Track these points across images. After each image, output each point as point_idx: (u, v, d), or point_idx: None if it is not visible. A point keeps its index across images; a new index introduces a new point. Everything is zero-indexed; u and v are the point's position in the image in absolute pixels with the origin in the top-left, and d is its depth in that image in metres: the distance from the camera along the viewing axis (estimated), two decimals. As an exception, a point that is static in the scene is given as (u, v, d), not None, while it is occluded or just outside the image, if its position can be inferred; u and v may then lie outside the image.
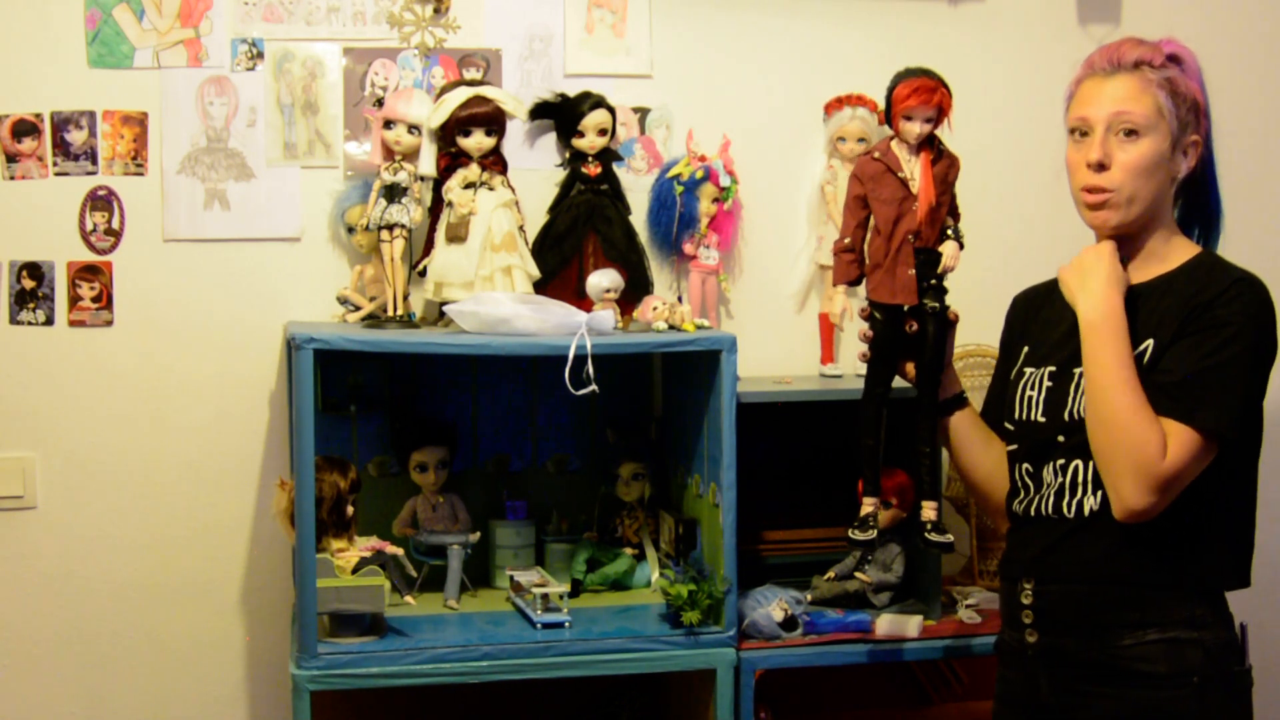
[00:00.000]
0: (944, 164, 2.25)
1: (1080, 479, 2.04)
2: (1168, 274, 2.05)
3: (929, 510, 2.29)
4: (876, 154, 2.23)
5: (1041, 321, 2.21)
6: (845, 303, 2.28)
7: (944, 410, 2.31)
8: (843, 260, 2.27)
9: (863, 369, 2.31)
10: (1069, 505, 2.05)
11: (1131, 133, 2.01)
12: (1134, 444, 1.93)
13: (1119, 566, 2.01)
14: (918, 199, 2.20)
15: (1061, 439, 2.06)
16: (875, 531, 2.26)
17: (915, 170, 2.22)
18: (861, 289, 2.29)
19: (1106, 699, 2.02)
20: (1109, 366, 1.97)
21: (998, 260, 2.89)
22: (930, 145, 2.24)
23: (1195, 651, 1.97)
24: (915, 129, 2.22)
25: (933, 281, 2.22)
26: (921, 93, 2.22)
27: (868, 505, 2.29)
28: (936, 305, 2.22)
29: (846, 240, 2.26)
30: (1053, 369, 2.11)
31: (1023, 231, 2.94)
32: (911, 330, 2.23)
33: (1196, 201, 2.13)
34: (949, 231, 2.25)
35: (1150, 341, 2.00)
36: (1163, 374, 1.97)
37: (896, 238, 2.21)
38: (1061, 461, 2.07)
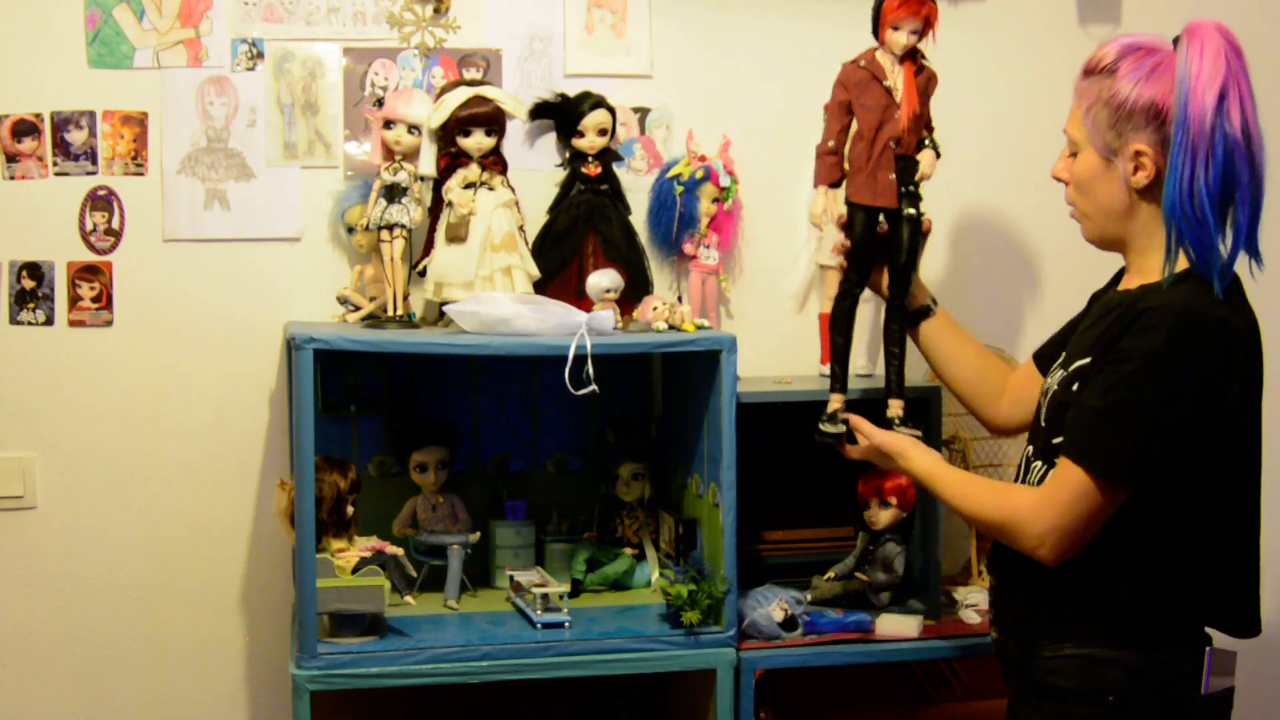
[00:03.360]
0: (924, 76, 2.34)
1: (1034, 480, 2.05)
2: (1142, 286, 1.96)
3: (895, 407, 2.36)
4: (862, 62, 2.32)
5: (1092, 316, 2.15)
6: (827, 203, 2.35)
7: (912, 320, 2.37)
8: (826, 163, 2.35)
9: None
10: None
11: (1070, 150, 2.02)
12: (1005, 520, 1.98)
13: (1042, 581, 2.00)
14: (900, 107, 2.28)
15: (1044, 424, 2.04)
16: (844, 426, 2.32)
17: (899, 80, 2.30)
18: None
19: (1030, 710, 2.03)
20: (953, 494, 2.10)
21: (997, 260, 2.89)
22: (913, 58, 2.33)
23: (1112, 670, 1.93)
24: (902, 39, 2.30)
25: (910, 188, 2.30)
26: (911, 4, 2.29)
27: (835, 401, 2.36)
28: (913, 211, 2.30)
29: (830, 143, 2.34)
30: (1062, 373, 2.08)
31: (1022, 231, 2.94)
32: (882, 231, 2.30)
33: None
34: (926, 141, 2.34)
35: (1088, 359, 1.95)
36: (1076, 407, 1.93)
37: (879, 143, 2.29)
38: (1030, 453, 2.08)
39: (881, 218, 2.29)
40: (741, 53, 2.83)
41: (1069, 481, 1.90)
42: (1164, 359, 1.84)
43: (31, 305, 2.63)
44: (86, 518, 2.67)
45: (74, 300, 2.64)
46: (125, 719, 2.70)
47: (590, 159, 2.60)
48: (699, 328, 2.44)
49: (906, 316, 2.36)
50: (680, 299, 2.69)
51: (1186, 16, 2.96)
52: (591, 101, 2.60)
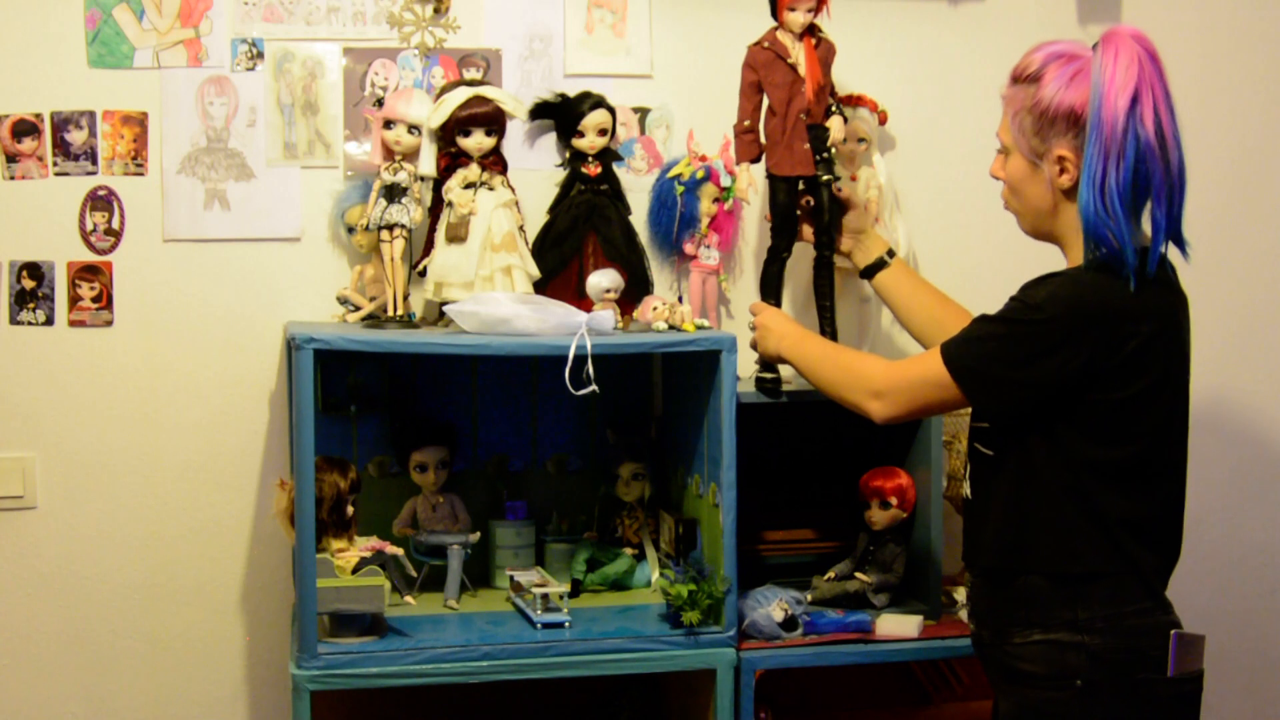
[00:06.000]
0: (823, 48, 2.48)
1: (973, 469, 2.14)
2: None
3: None
4: (766, 43, 2.47)
5: None
6: (750, 178, 2.52)
7: (871, 272, 2.55)
8: (744, 141, 2.51)
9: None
10: (969, 491, 2.15)
11: (1001, 152, 2.13)
12: (852, 370, 2.21)
13: (988, 556, 2.08)
14: (805, 81, 2.43)
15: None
16: (778, 373, 2.48)
17: (801, 56, 2.44)
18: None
19: (1005, 696, 2.09)
20: (813, 358, 2.29)
21: (998, 259, 2.88)
22: (811, 32, 2.46)
23: (1077, 655, 1.98)
24: (800, 18, 2.45)
25: (824, 155, 2.46)
26: None
27: None
28: (830, 177, 2.48)
29: (746, 122, 2.50)
30: None
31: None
32: (808, 204, 2.50)
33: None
34: (833, 108, 2.49)
35: None
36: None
37: (790, 117, 2.45)
38: (974, 440, 2.15)
39: (802, 187, 2.47)
40: (741, 53, 2.82)
41: (924, 361, 2.10)
42: (1036, 310, 1.97)
43: (31, 305, 2.63)
44: (86, 518, 2.67)
45: (74, 300, 2.64)
46: (125, 719, 2.70)
47: (590, 159, 2.59)
48: (699, 328, 2.44)
49: (833, 270, 2.54)
50: (680, 299, 2.69)
51: (1186, 15, 2.98)
52: (591, 101, 2.60)
